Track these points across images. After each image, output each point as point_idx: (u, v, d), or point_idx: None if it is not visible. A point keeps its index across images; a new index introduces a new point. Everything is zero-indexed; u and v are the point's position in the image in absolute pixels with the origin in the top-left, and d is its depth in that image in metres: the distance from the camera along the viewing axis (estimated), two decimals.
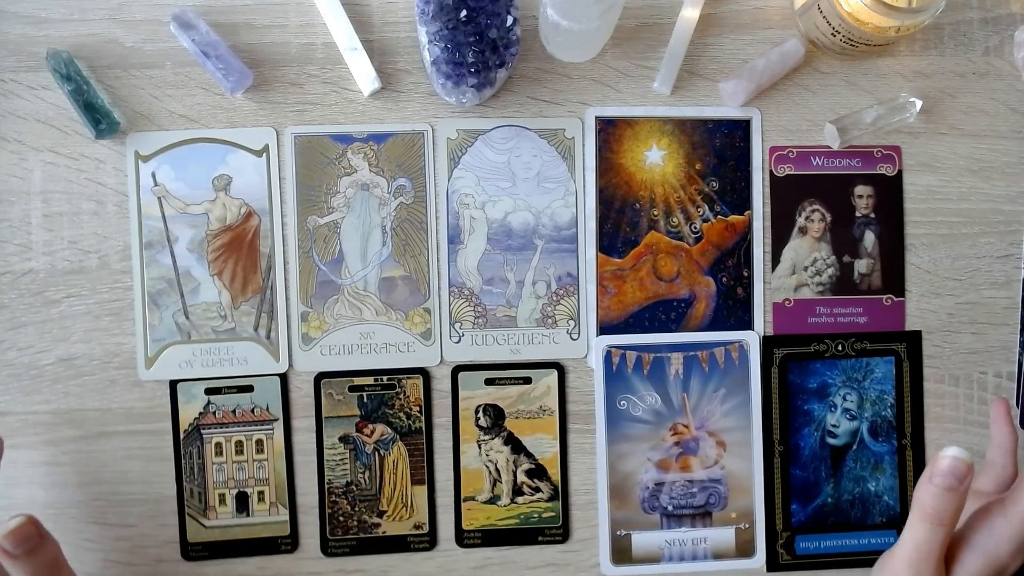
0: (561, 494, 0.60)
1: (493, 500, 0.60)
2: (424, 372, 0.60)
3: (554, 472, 0.60)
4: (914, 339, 0.62)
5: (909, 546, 0.42)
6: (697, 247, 0.61)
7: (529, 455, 0.60)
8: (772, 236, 0.61)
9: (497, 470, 0.60)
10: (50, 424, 0.58)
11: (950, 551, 0.43)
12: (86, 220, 0.59)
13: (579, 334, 0.60)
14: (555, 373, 0.60)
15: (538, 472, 0.60)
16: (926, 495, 0.41)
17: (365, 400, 0.59)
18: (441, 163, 0.60)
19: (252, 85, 0.58)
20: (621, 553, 0.60)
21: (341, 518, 0.59)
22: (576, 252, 0.60)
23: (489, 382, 0.60)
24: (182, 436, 0.59)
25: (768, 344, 0.61)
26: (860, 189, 0.61)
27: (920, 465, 0.62)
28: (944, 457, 0.40)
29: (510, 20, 0.54)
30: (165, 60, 0.59)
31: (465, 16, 0.53)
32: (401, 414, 0.59)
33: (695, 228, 0.61)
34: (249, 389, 0.59)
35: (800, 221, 0.61)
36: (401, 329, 0.59)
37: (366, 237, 0.60)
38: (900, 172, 0.62)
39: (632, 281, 0.60)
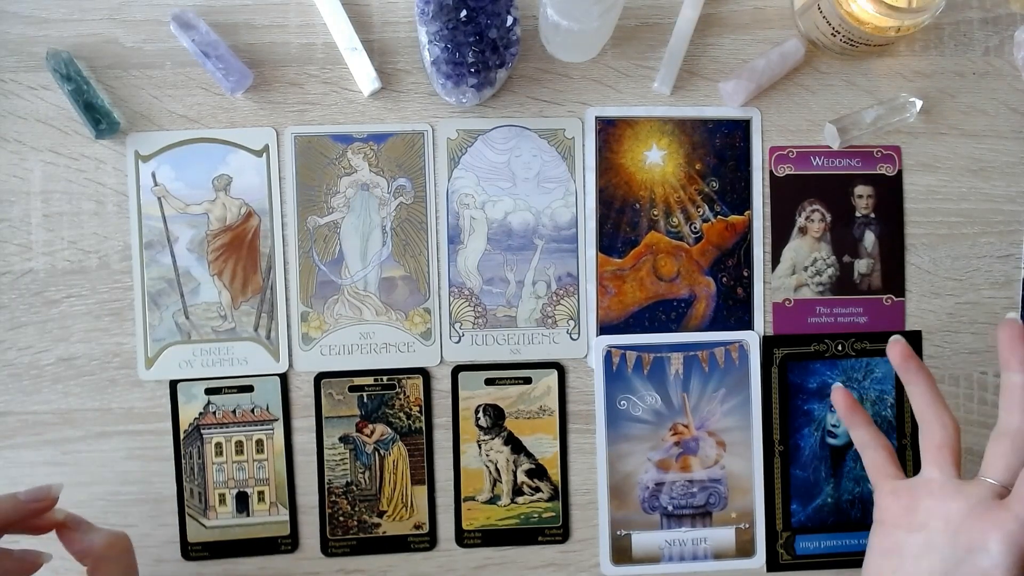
0: (561, 494, 0.60)
1: (493, 500, 0.60)
2: (424, 372, 0.60)
3: (554, 472, 0.60)
4: (914, 339, 0.62)
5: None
6: (697, 247, 0.61)
7: (529, 455, 0.60)
8: (772, 236, 0.61)
9: (497, 470, 0.60)
10: (50, 424, 0.58)
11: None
12: (86, 220, 0.59)
13: (579, 334, 0.60)
14: (555, 373, 0.60)
15: (538, 472, 0.60)
16: None
17: (365, 400, 0.59)
18: (441, 163, 0.60)
19: (252, 85, 0.58)
20: (621, 553, 0.60)
21: (341, 518, 0.59)
22: (576, 252, 0.60)
23: (489, 382, 0.60)
24: (182, 436, 0.59)
25: (768, 344, 0.61)
26: (860, 189, 0.61)
27: (920, 465, 0.61)
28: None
29: (510, 20, 0.54)
30: (165, 60, 0.59)
31: (465, 16, 0.53)
32: (401, 414, 0.59)
33: (695, 228, 0.61)
34: (249, 389, 0.59)
35: (800, 221, 0.61)
36: (401, 329, 0.59)
37: (366, 237, 0.60)
38: (900, 172, 0.62)
39: (632, 281, 0.60)
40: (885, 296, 0.62)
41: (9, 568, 0.46)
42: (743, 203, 0.61)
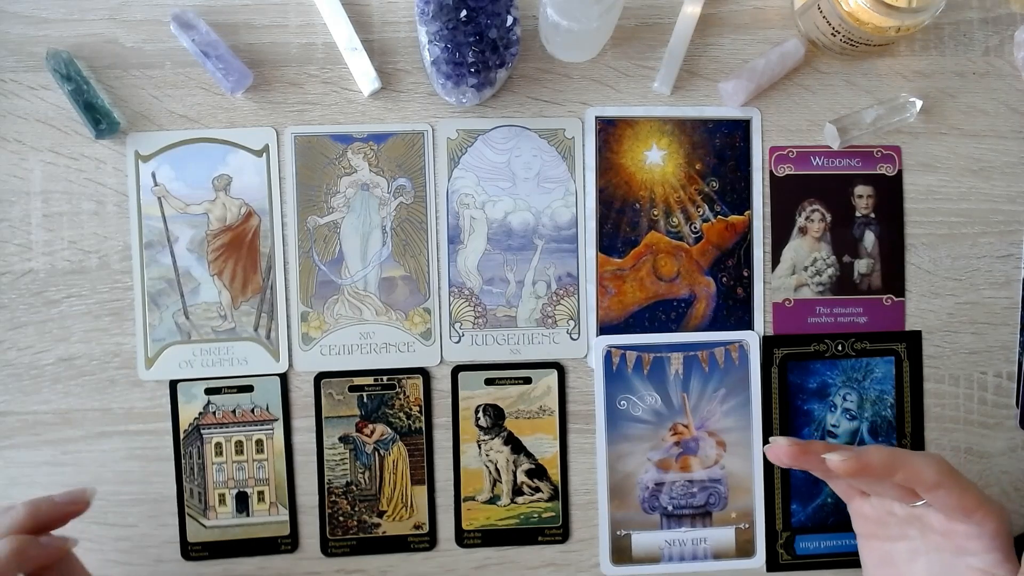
0: (561, 494, 0.60)
1: (493, 500, 0.60)
2: (424, 372, 0.60)
3: (554, 472, 0.60)
4: (914, 339, 0.62)
5: None
6: (697, 247, 0.61)
7: (529, 455, 0.60)
8: (772, 236, 0.61)
9: (497, 470, 0.60)
10: (50, 424, 0.58)
11: None
12: (86, 220, 0.59)
13: (579, 334, 0.60)
14: (555, 373, 0.60)
15: (538, 472, 0.60)
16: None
17: (365, 400, 0.59)
18: (441, 163, 0.60)
19: (252, 85, 0.58)
20: (621, 553, 0.60)
21: (341, 518, 0.59)
22: (576, 252, 0.60)
23: (489, 382, 0.60)
24: (182, 436, 0.59)
25: (768, 344, 0.61)
26: (860, 189, 0.61)
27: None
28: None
29: (510, 20, 0.54)
30: (165, 60, 0.59)
31: (465, 16, 0.53)
32: (401, 414, 0.59)
33: (695, 228, 0.61)
34: (249, 389, 0.59)
35: (800, 221, 0.61)
36: (401, 329, 0.59)
37: (366, 237, 0.60)
38: (900, 172, 0.62)
39: (632, 281, 0.60)
40: (885, 296, 0.62)
41: (34, 555, 0.46)
42: (743, 203, 0.61)
